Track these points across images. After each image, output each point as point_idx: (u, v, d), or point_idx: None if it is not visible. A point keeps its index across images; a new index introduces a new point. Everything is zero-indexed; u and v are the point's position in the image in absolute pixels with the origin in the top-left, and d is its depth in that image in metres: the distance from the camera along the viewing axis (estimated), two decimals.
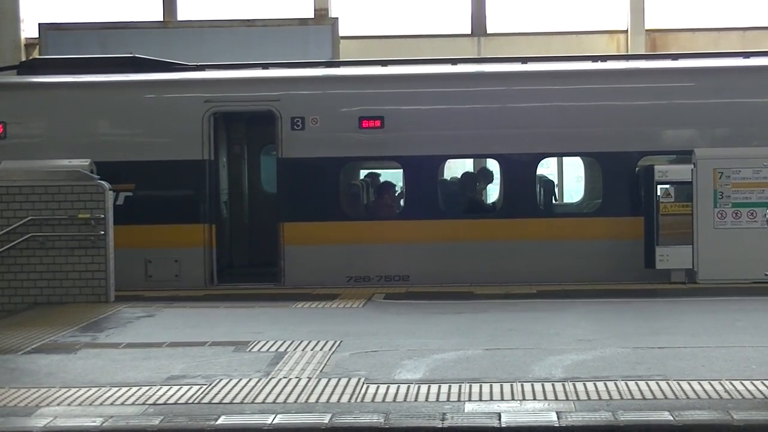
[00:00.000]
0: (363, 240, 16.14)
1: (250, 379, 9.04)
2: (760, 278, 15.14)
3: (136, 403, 8.26)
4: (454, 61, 18.05)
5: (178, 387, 8.78)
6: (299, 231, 16.11)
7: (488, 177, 17.74)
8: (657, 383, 8.54)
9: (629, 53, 24.83)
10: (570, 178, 19.38)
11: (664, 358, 9.66)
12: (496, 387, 8.54)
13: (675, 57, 18.37)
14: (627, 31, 25.84)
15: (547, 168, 18.33)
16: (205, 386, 8.78)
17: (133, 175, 16.16)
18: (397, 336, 11.21)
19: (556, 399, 8.14)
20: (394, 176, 17.59)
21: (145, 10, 25.84)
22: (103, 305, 13.99)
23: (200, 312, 13.64)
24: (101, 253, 14.29)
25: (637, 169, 16.09)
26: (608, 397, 8.14)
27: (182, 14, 26.10)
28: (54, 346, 11.00)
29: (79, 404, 8.27)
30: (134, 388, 8.73)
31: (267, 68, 17.61)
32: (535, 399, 8.17)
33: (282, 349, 10.48)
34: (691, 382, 8.57)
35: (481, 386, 8.57)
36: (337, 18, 24.05)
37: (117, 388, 8.75)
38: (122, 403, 8.26)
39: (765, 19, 25.87)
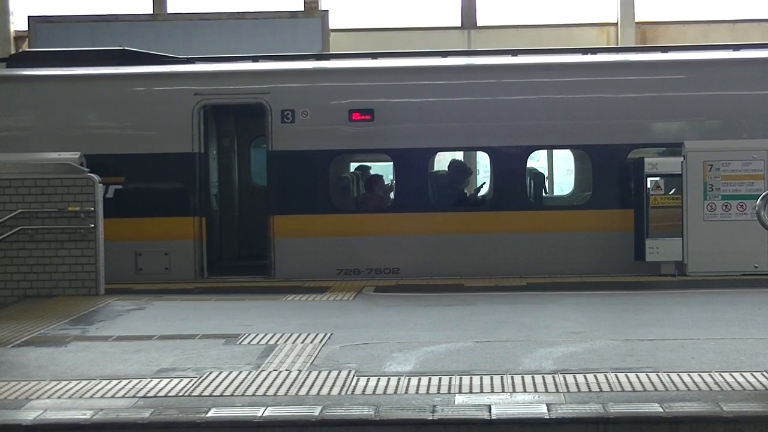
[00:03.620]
0: (353, 233, 16.15)
1: (240, 372, 9.03)
2: (750, 270, 15.20)
3: (127, 396, 8.25)
4: (444, 54, 18.05)
5: (169, 380, 8.77)
6: (289, 224, 16.11)
7: (465, 171, 17.72)
8: (647, 375, 8.55)
9: (619, 46, 24.86)
10: (560, 170, 19.41)
11: (653, 350, 9.67)
12: (486, 379, 8.54)
13: (665, 49, 18.38)
14: (617, 23, 25.88)
15: (537, 161, 18.35)
16: (196, 379, 8.77)
17: (122, 168, 16.14)
18: (388, 328, 11.22)
19: (546, 391, 8.15)
20: (384, 169, 17.60)
21: (135, 3, 25.81)
22: (93, 298, 13.98)
23: (190, 305, 13.62)
24: (91, 246, 14.28)
25: (627, 161, 16.10)
26: (598, 389, 8.15)
27: (172, 7, 26.08)
28: (44, 339, 10.99)
29: (69, 397, 8.25)
30: (124, 381, 8.72)
31: (257, 61, 17.60)
32: (525, 391, 8.16)
33: (272, 342, 10.47)
34: (681, 374, 8.58)
35: (471, 378, 8.57)
36: (327, 11, 24.06)
37: (107, 381, 8.73)
38: (112, 396, 8.25)
39: (754, 11, 25.93)
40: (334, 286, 14.88)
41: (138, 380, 8.75)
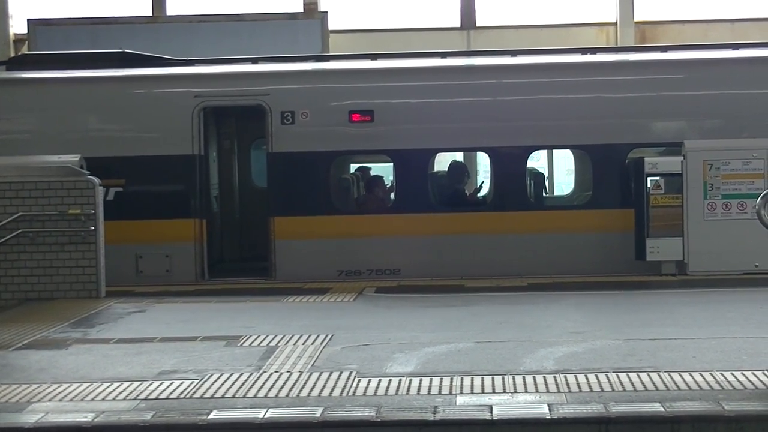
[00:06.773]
0: (353, 234, 16.13)
1: (241, 374, 9.04)
2: (751, 269, 15.19)
3: (128, 398, 8.25)
4: (443, 55, 18.05)
5: (170, 382, 8.77)
6: (290, 225, 16.10)
7: (465, 171, 17.72)
8: (648, 375, 8.56)
9: (618, 45, 24.86)
10: (560, 170, 19.40)
11: (655, 350, 9.68)
12: (488, 380, 8.54)
13: (664, 49, 18.38)
14: (616, 23, 25.89)
15: (537, 161, 18.35)
16: (197, 381, 8.78)
17: (123, 170, 16.13)
18: (389, 329, 11.22)
19: (548, 391, 8.15)
20: (384, 170, 17.59)
21: (135, 5, 25.81)
22: (94, 301, 13.98)
23: (191, 307, 13.63)
24: (92, 248, 14.27)
25: (627, 161, 16.10)
26: (599, 389, 8.15)
27: (171, 9, 26.09)
28: (45, 341, 10.99)
29: (71, 400, 8.25)
30: (126, 384, 8.72)
31: (256, 63, 17.60)
32: (526, 391, 8.17)
33: (273, 344, 10.48)
34: (682, 373, 8.58)
35: (472, 379, 8.57)
36: (327, 12, 24.09)
37: (108, 384, 8.74)
38: (114, 399, 8.25)
39: (754, 10, 25.93)
40: (335, 288, 14.87)
41: (139, 383, 8.76)
